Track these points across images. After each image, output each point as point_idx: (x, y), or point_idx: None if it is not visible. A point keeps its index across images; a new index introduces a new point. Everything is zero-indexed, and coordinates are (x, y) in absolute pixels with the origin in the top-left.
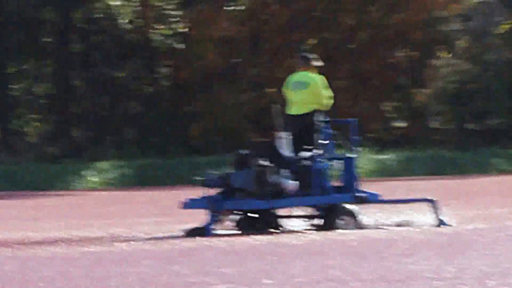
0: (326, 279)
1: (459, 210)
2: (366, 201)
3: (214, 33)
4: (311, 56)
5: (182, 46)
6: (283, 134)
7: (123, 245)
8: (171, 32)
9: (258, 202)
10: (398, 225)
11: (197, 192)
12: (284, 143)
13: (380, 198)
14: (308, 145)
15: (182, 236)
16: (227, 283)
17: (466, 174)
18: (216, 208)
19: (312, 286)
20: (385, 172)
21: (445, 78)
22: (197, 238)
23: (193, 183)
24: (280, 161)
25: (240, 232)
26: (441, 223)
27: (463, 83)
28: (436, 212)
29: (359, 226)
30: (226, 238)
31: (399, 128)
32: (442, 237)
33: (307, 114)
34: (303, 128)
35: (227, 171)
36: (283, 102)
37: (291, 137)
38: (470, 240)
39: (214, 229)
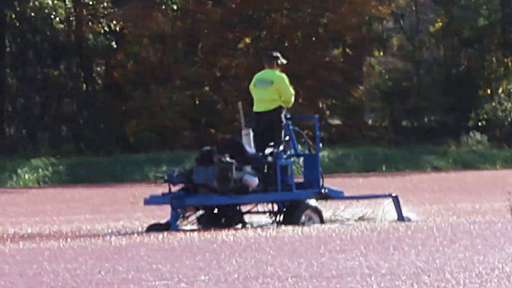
0: (262, 276)
1: (394, 207)
2: (329, 197)
3: (148, 31)
4: (276, 54)
5: (115, 44)
6: (247, 131)
7: (57, 242)
8: (103, 30)
9: (221, 198)
10: (359, 220)
11: (132, 190)
12: (249, 140)
13: (343, 194)
14: (273, 142)
15: (117, 234)
16: (162, 280)
17: (400, 171)
18: (179, 204)
19: (248, 282)
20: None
21: (380, 76)
22: (151, 234)
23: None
24: (244, 157)
25: (203, 228)
26: (404, 218)
27: (396, 80)
28: (399, 208)
29: (323, 222)
30: (160, 235)
31: (334, 125)
32: (378, 233)
33: (272, 110)
34: (269, 125)
35: (190, 167)
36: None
37: (253, 133)
38: (406, 236)
39: (178, 225)
